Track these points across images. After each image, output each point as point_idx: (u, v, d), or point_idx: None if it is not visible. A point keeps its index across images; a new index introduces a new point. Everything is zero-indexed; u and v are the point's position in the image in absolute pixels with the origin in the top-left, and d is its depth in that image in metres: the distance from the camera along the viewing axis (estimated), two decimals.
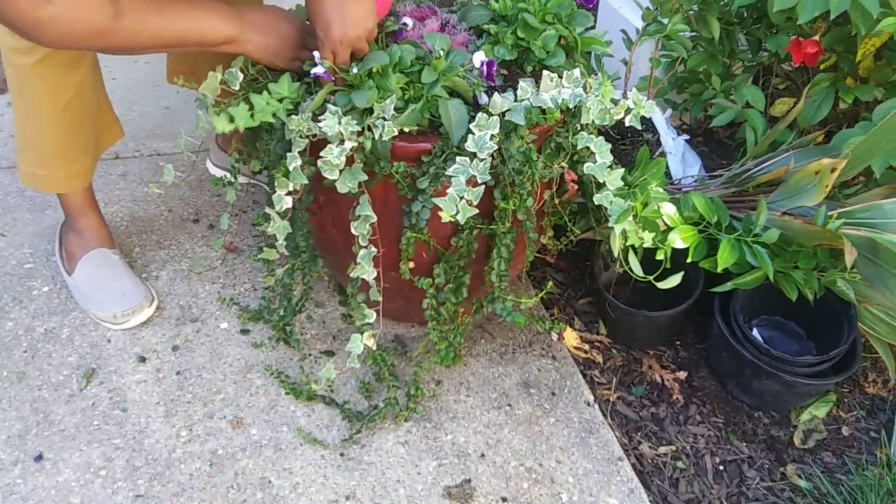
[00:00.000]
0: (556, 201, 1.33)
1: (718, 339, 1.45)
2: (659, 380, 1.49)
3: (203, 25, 1.12)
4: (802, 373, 1.37)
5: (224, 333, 1.50)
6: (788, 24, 1.50)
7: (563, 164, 1.24)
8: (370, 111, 1.12)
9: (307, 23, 1.19)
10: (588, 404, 1.43)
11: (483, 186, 1.14)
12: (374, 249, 1.21)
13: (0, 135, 1.93)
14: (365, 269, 1.22)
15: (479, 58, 1.16)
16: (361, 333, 1.26)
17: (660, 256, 1.30)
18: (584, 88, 1.18)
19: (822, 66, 1.53)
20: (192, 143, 1.76)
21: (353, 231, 1.19)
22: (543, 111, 1.15)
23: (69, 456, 1.29)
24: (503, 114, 1.14)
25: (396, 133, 1.12)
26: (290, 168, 1.15)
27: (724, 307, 1.42)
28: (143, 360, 1.44)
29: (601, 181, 1.21)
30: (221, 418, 1.36)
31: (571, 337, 1.53)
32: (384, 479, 1.29)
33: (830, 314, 1.40)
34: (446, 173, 1.13)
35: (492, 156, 1.14)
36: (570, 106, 1.16)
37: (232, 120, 1.12)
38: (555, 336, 1.54)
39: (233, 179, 1.36)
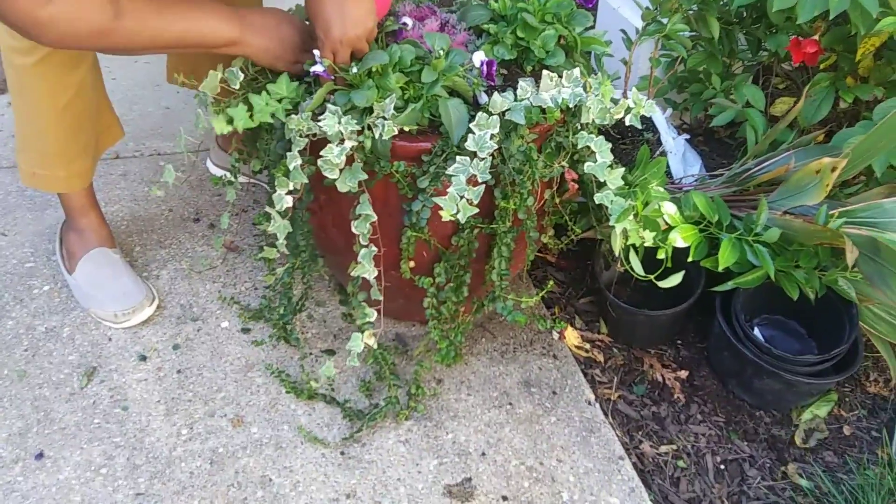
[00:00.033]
0: (557, 200, 1.33)
1: (719, 339, 1.45)
2: (660, 379, 1.49)
3: (203, 27, 1.12)
4: (804, 372, 1.37)
5: (225, 332, 1.50)
6: (788, 24, 1.50)
7: (564, 163, 1.24)
8: (370, 110, 1.12)
9: (307, 23, 1.19)
10: (589, 403, 1.43)
11: (483, 186, 1.14)
12: (374, 248, 1.21)
13: (0, 135, 1.94)
14: (366, 268, 1.22)
15: (478, 57, 1.16)
16: (362, 332, 1.26)
17: (661, 255, 1.30)
18: (584, 88, 1.18)
19: (821, 66, 1.53)
20: (192, 142, 1.76)
21: (353, 230, 1.19)
22: (543, 111, 1.15)
23: (70, 454, 1.29)
24: (503, 113, 1.14)
25: (396, 132, 1.12)
26: (291, 167, 1.15)
27: (725, 306, 1.42)
28: (143, 358, 1.44)
29: (602, 180, 1.21)
30: (222, 417, 1.36)
31: (572, 336, 1.53)
32: (385, 478, 1.29)
33: (832, 313, 1.40)
34: (447, 172, 1.13)
35: (492, 155, 1.14)
36: (570, 105, 1.16)
37: (231, 121, 1.12)
38: (556, 335, 1.54)
39: (233, 179, 1.36)
